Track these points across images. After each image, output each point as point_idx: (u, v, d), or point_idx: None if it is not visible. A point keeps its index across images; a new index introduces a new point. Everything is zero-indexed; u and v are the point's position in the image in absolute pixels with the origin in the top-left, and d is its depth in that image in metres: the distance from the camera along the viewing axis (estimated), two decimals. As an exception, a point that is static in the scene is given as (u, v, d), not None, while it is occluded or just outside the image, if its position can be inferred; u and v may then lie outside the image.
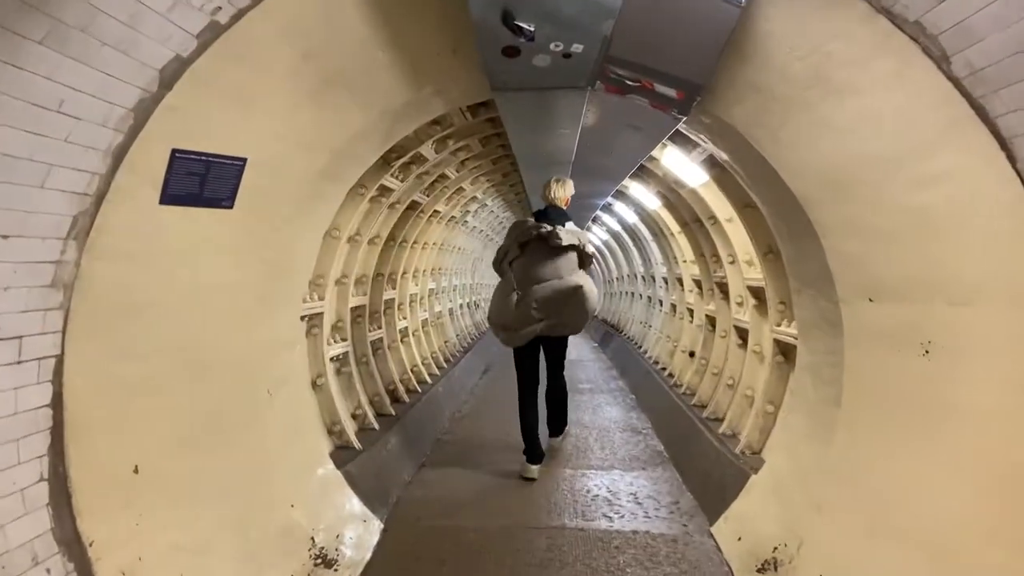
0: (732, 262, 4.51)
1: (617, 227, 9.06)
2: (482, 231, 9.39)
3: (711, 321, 5.35)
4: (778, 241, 3.40)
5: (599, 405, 6.52)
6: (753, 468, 3.46)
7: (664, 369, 6.65)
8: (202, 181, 2.47)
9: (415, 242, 6.03)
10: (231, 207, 2.61)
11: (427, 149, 4.04)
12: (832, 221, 2.68)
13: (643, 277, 9.19)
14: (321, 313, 3.77)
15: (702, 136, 3.23)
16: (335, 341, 4.10)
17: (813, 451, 2.97)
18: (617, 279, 12.21)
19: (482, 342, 10.28)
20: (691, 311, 6.17)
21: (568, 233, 3.93)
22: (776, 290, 3.68)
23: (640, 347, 8.72)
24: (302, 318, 3.60)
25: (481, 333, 11.04)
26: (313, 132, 2.73)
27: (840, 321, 2.80)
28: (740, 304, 4.49)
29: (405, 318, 6.08)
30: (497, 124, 4.13)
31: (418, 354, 6.30)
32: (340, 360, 4.24)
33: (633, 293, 10.27)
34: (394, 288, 5.58)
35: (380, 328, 5.13)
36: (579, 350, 11.01)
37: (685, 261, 6.18)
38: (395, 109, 2.97)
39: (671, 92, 2.67)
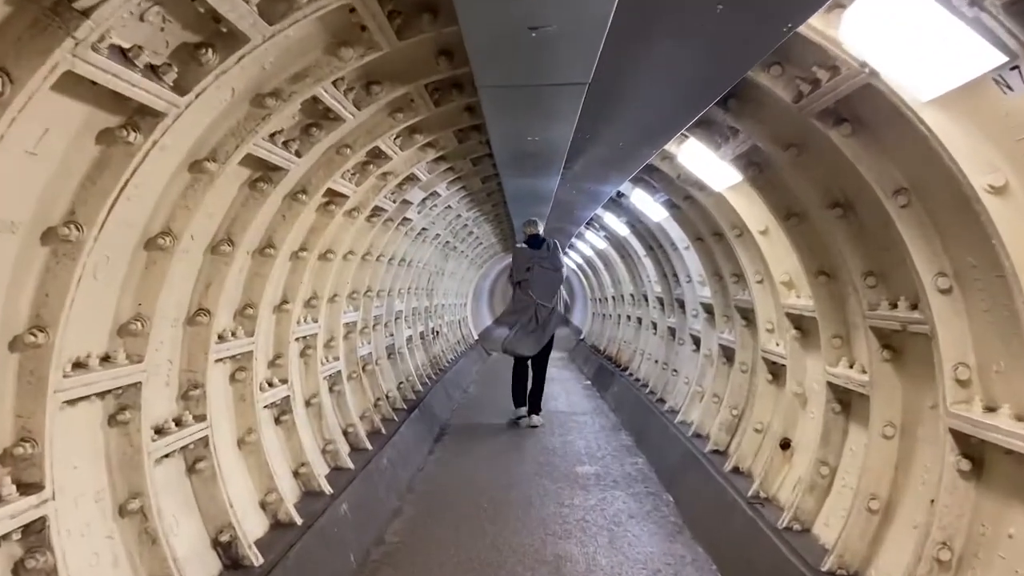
0: (947, 290, 2.07)
1: (625, 231, 6.62)
2: (438, 235, 6.84)
3: (839, 395, 2.90)
4: None
5: (619, 520, 3.88)
6: None
7: (718, 451, 4.16)
8: None
9: (304, 249, 3.48)
10: None
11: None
12: None
13: (660, 300, 6.74)
14: None
15: None
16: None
17: None
18: (614, 299, 9.75)
19: (440, 385, 7.60)
20: (772, 366, 3.72)
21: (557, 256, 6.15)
22: None
23: (655, 395, 6.24)
24: None
25: (441, 370, 8.38)
26: None
27: None
28: (965, 383, 2.04)
29: (284, 381, 3.51)
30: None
31: (319, 435, 3.75)
32: (138, 502, 1.67)
33: (641, 319, 7.81)
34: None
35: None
36: (568, 394, 8.39)
37: (761, 281, 3.73)
38: None
39: None
